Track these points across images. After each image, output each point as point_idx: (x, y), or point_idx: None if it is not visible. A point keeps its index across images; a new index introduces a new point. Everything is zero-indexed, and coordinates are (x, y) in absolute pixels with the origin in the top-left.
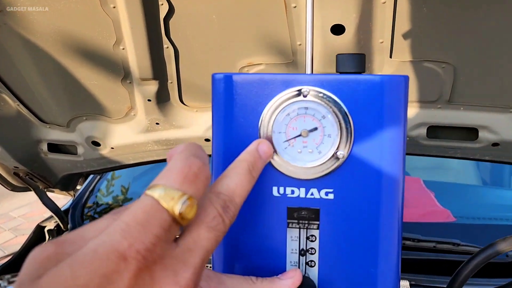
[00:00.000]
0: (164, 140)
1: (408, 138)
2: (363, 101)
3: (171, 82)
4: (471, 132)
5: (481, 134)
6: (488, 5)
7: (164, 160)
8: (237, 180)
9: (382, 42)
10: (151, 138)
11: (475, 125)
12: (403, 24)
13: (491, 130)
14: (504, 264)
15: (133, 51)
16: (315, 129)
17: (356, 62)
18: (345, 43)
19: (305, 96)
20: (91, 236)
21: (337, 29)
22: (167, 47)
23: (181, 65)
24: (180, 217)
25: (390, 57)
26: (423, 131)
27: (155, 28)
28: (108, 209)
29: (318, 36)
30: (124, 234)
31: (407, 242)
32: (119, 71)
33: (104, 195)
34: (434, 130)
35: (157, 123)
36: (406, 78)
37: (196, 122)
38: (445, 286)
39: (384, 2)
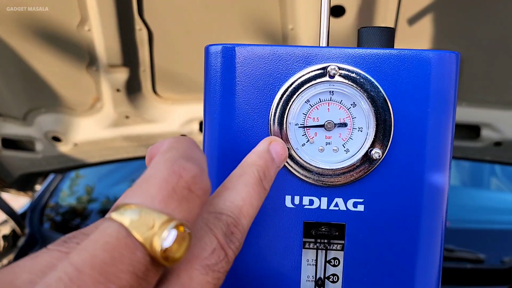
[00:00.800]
0: (134, 135)
1: None
2: (406, 84)
3: (144, 70)
4: (473, 131)
5: (484, 132)
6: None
7: (134, 159)
8: (244, 193)
9: None
10: (120, 134)
11: (478, 123)
12: (409, 8)
13: (494, 128)
14: (500, 271)
15: (100, 33)
16: (344, 124)
17: (385, 37)
18: (345, 26)
19: (332, 77)
20: (24, 281)
21: (337, 11)
22: (140, 29)
23: (155, 50)
24: (163, 256)
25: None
26: None
27: (127, 6)
28: (71, 211)
29: (313, 19)
30: None
31: None
32: (84, 56)
33: (67, 195)
34: None
35: (127, 117)
36: (457, 55)
37: (171, 116)
38: None
39: None
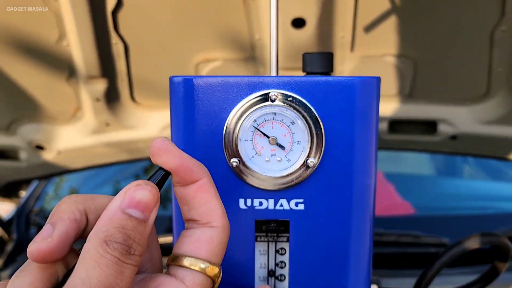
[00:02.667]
0: (115, 141)
1: None
2: (334, 105)
3: (122, 80)
4: (430, 126)
5: (440, 127)
6: (448, 2)
7: (116, 163)
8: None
9: (343, 37)
10: (101, 140)
11: (434, 118)
12: (364, 18)
13: (449, 123)
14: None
15: (78, 48)
16: (282, 147)
17: (324, 61)
18: (306, 37)
19: (273, 101)
20: None
21: (298, 23)
22: (116, 43)
23: (132, 62)
24: None
25: (351, 51)
26: (384, 125)
27: (103, 23)
28: None
29: (278, 30)
30: None
31: None
32: (64, 69)
33: (52, 198)
34: (395, 125)
35: (107, 124)
36: (378, 79)
37: (149, 121)
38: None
39: None
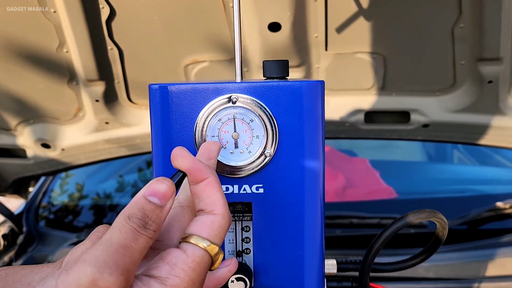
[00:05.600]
0: (115, 138)
1: (347, 124)
2: (285, 104)
3: (118, 82)
4: (404, 116)
5: (413, 116)
6: (411, 3)
7: (117, 158)
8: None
9: (317, 37)
10: (101, 138)
11: (407, 109)
12: (335, 20)
13: (421, 113)
14: (407, 236)
15: (77, 54)
16: (243, 129)
17: (280, 68)
18: (283, 39)
19: (234, 103)
20: None
21: (274, 27)
22: (111, 49)
23: (126, 65)
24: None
25: (326, 50)
26: (360, 116)
27: (98, 31)
28: (63, 208)
29: (256, 34)
30: None
31: (354, 220)
32: (64, 73)
33: (58, 194)
34: (371, 115)
35: (106, 123)
36: (322, 83)
37: (145, 119)
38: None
39: (316, 0)
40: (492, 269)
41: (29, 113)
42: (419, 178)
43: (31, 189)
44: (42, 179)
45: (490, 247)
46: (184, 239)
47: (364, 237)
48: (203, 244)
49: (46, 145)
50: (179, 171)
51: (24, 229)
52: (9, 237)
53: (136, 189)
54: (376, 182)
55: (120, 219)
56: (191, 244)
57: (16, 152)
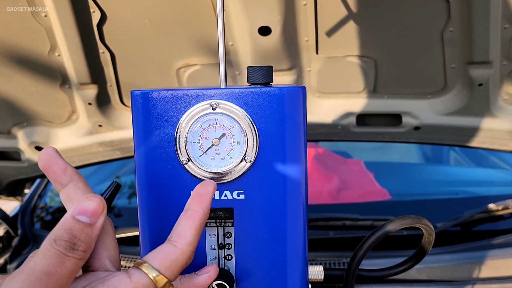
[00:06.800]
0: (108, 141)
1: (339, 127)
2: (266, 111)
3: (111, 85)
4: (395, 118)
5: (404, 119)
6: (402, 2)
7: (110, 161)
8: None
9: (307, 41)
10: (95, 140)
11: (399, 112)
12: (325, 23)
13: (412, 116)
14: (400, 238)
15: (69, 57)
16: (223, 135)
17: (263, 73)
18: (273, 42)
19: (214, 109)
20: None
21: (264, 31)
22: (103, 52)
23: (119, 68)
24: None
25: (317, 53)
26: (352, 119)
27: (89, 35)
28: (60, 210)
29: (247, 37)
30: None
31: (347, 222)
32: (57, 77)
33: (55, 195)
34: (363, 118)
35: (100, 126)
36: (303, 88)
37: None
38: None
39: (305, 4)
40: (485, 271)
41: (22, 116)
42: (413, 180)
43: (26, 191)
44: (38, 181)
45: (482, 249)
46: (136, 264)
47: (357, 239)
48: (152, 274)
49: (39, 148)
50: (113, 182)
51: (19, 231)
52: (4, 240)
53: (133, 190)
54: (370, 184)
55: (45, 244)
56: (139, 270)
57: (10, 155)
